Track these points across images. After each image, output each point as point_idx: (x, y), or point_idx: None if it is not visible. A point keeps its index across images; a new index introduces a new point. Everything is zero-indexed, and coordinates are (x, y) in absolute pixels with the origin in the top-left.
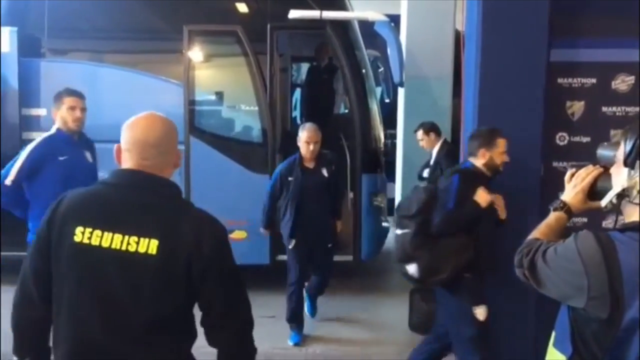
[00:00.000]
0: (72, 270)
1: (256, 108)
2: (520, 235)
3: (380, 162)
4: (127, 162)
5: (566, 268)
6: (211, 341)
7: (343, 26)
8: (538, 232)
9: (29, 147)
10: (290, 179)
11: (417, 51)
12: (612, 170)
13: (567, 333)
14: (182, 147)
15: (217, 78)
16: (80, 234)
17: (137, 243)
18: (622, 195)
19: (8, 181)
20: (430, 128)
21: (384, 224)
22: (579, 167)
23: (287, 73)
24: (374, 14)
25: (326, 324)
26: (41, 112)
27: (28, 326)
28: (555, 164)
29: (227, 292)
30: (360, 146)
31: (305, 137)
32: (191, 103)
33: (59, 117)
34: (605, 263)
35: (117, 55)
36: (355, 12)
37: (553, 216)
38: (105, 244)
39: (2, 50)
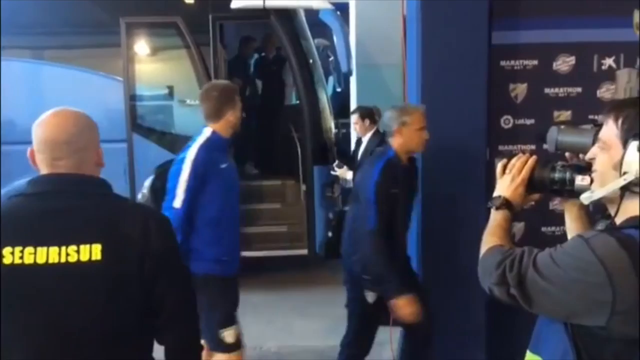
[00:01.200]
0: (12, 297)
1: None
2: (468, 222)
3: (332, 153)
4: (42, 165)
5: (580, 281)
6: (161, 341)
7: (288, 15)
8: (497, 237)
9: (189, 157)
10: None
11: (366, 39)
12: (595, 157)
13: (564, 355)
14: (124, 145)
15: (158, 72)
16: (10, 255)
17: (77, 252)
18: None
19: (177, 203)
20: (366, 114)
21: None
22: (509, 158)
23: (233, 65)
24: (318, 2)
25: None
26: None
27: None
28: (501, 147)
29: (179, 290)
30: (310, 137)
31: None
32: (132, 98)
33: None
34: (634, 269)
35: (55, 51)
36: (299, 1)
37: (500, 215)
38: (40, 261)
39: None
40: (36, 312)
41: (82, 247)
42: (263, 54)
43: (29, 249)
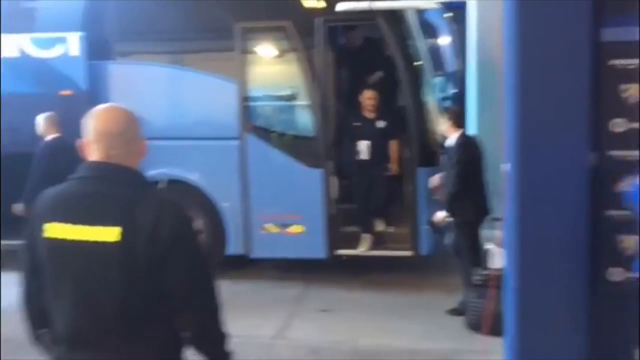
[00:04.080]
0: (49, 265)
1: (309, 102)
2: (566, 231)
3: (438, 155)
4: (94, 154)
5: None
6: (178, 326)
7: (395, 16)
8: None
9: None
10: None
11: (488, 37)
12: None
13: None
14: (237, 143)
15: (269, 74)
16: (51, 229)
17: (101, 233)
18: None
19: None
20: (454, 115)
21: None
22: None
23: (340, 66)
24: (424, 2)
25: (379, 319)
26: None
27: (32, 313)
28: (611, 153)
29: (188, 276)
30: (416, 139)
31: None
32: (245, 99)
33: None
34: None
35: (176, 55)
36: (405, 1)
37: None
38: (72, 237)
39: (70, 54)
40: (66, 281)
41: (105, 228)
42: (370, 56)
43: (64, 226)
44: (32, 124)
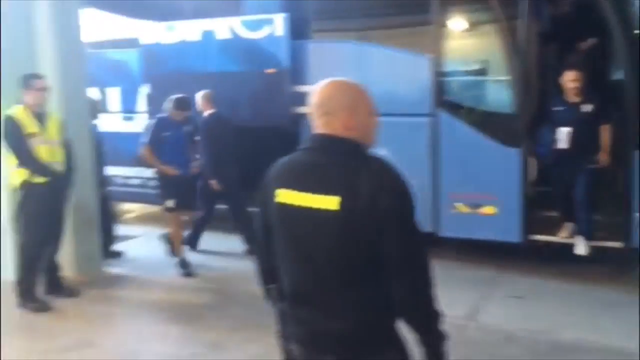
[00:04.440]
0: (279, 226)
1: (508, 78)
2: None
3: None
4: (318, 126)
5: None
6: (390, 296)
7: None
8: None
9: None
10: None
11: None
12: None
13: None
14: (428, 120)
15: (467, 48)
16: (281, 195)
17: (323, 200)
18: None
19: None
20: None
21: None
22: None
23: (545, 38)
24: None
25: (578, 311)
26: (308, 88)
27: (263, 270)
28: None
29: (401, 248)
30: (633, 119)
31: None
32: (439, 75)
33: None
34: None
35: (377, 32)
36: None
37: None
38: (298, 203)
39: (276, 35)
40: (292, 243)
41: (326, 196)
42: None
43: (292, 192)
44: (241, 100)
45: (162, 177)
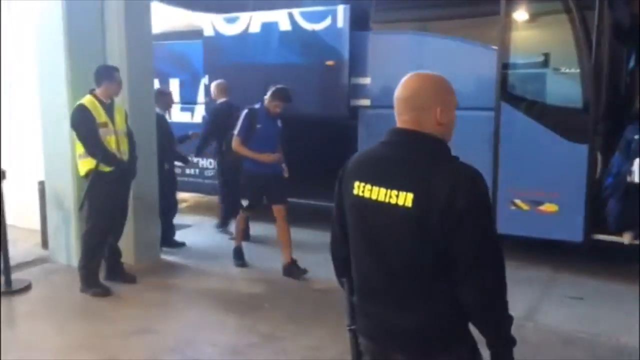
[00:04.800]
0: (353, 219)
1: (577, 70)
2: None
3: None
4: (398, 120)
5: None
6: (459, 297)
7: None
8: None
9: None
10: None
11: None
12: None
13: None
14: (491, 114)
15: (535, 39)
16: (357, 188)
17: (397, 196)
18: None
19: None
20: None
21: None
22: None
23: (620, 29)
24: None
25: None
26: (367, 81)
27: (338, 261)
28: None
29: (475, 250)
30: None
31: None
32: (504, 67)
33: None
34: None
35: (434, 23)
36: None
37: None
38: (373, 197)
39: (337, 26)
40: (364, 236)
41: (400, 193)
42: None
43: (368, 186)
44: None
45: (249, 176)
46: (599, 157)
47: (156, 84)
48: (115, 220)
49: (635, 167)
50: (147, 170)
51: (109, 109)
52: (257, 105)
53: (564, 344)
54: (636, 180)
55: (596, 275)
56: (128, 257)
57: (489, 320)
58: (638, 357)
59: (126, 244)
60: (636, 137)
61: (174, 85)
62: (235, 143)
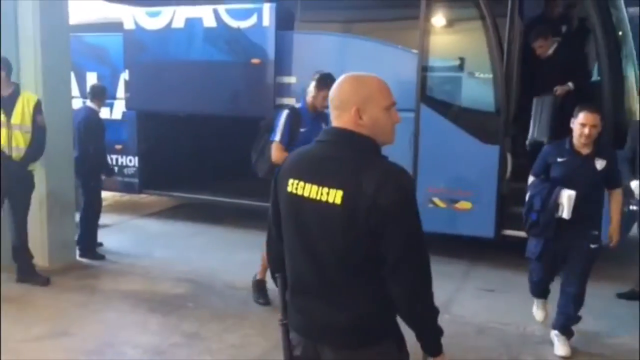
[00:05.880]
0: (287, 216)
1: (491, 75)
2: None
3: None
4: (333, 120)
5: None
6: (388, 291)
7: None
8: None
9: None
10: (559, 160)
11: None
12: None
13: None
14: (411, 115)
15: (452, 44)
16: (291, 185)
17: (328, 194)
18: None
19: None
20: None
21: (632, 207)
22: None
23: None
24: None
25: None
26: (292, 80)
27: (273, 258)
28: None
29: (401, 246)
30: (610, 119)
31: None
32: (424, 70)
33: None
34: None
35: (360, 25)
36: None
37: None
38: (306, 194)
39: (262, 24)
40: (296, 233)
41: (331, 190)
42: (565, 26)
43: (301, 183)
44: (225, 90)
45: None
46: (509, 158)
47: (72, 78)
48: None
49: (564, 201)
50: (63, 167)
51: (7, 102)
52: (298, 105)
53: (477, 333)
54: (565, 215)
55: (507, 267)
56: (41, 258)
57: (416, 312)
58: (543, 344)
59: (39, 244)
60: (560, 159)
61: (92, 80)
62: (277, 152)
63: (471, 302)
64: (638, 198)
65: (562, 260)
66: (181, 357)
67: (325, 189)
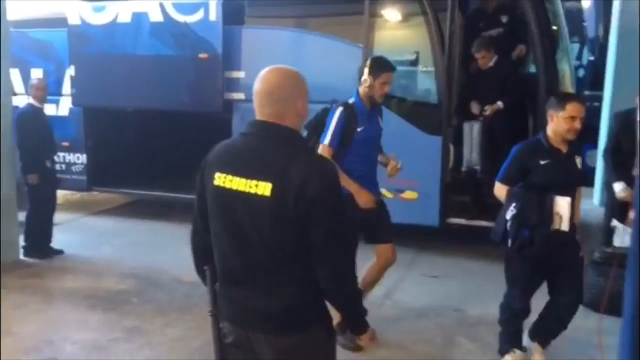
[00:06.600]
0: (215, 209)
1: (432, 69)
2: None
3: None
4: (257, 113)
5: None
6: (316, 277)
7: None
8: None
9: None
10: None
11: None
12: None
13: None
14: None
15: (396, 39)
16: (218, 179)
17: (257, 186)
18: None
19: None
20: None
21: None
22: None
23: (470, 32)
24: None
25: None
26: (241, 74)
27: (198, 251)
28: None
29: (327, 233)
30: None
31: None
32: None
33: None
34: None
35: (302, 19)
36: None
37: None
38: (234, 187)
39: (209, 19)
40: (226, 226)
41: (260, 182)
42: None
43: (229, 176)
44: (173, 85)
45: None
46: (452, 148)
47: (16, 74)
48: None
49: (560, 210)
50: (3, 165)
51: None
52: (351, 100)
53: (416, 317)
54: (564, 227)
55: (452, 255)
56: None
57: (342, 295)
58: (478, 326)
59: None
60: (541, 162)
61: (36, 76)
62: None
63: (414, 288)
64: None
65: (551, 273)
66: (120, 351)
67: (254, 182)
